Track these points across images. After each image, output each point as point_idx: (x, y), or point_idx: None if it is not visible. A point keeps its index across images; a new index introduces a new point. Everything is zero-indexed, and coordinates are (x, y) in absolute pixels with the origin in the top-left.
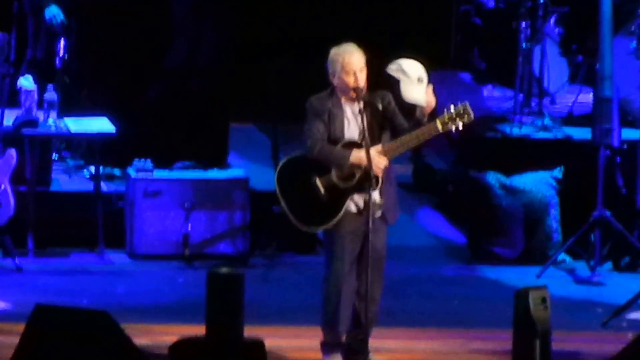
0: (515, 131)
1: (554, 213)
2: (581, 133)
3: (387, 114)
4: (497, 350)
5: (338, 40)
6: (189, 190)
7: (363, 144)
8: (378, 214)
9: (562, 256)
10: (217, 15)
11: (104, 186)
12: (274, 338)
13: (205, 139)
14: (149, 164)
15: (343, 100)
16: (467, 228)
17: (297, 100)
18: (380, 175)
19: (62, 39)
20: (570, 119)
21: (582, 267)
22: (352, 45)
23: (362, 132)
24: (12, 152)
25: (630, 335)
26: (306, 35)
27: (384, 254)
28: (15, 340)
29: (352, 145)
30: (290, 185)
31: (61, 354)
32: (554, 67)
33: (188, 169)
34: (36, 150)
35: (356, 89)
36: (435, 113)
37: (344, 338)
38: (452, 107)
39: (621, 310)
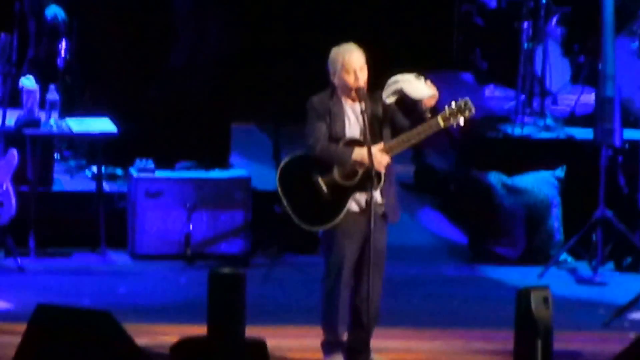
0: (517, 131)
1: (556, 213)
2: (583, 133)
3: (388, 112)
4: (498, 350)
5: (340, 41)
6: (190, 190)
7: (364, 142)
8: (379, 213)
9: (564, 256)
10: (219, 15)
11: (105, 186)
12: (275, 338)
13: (207, 139)
14: (150, 164)
15: (344, 99)
16: (469, 228)
17: (298, 100)
18: (382, 171)
19: (64, 39)
20: (572, 119)
21: (584, 267)
22: (352, 45)
23: (363, 131)
24: (14, 152)
25: (632, 336)
26: (308, 36)
27: (384, 253)
28: (16, 340)
29: (354, 143)
30: (292, 185)
31: (63, 354)
32: (556, 67)
33: (190, 169)
34: (38, 150)
35: (357, 89)
36: (436, 112)
37: (345, 337)
38: (453, 103)
39: (623, 310)
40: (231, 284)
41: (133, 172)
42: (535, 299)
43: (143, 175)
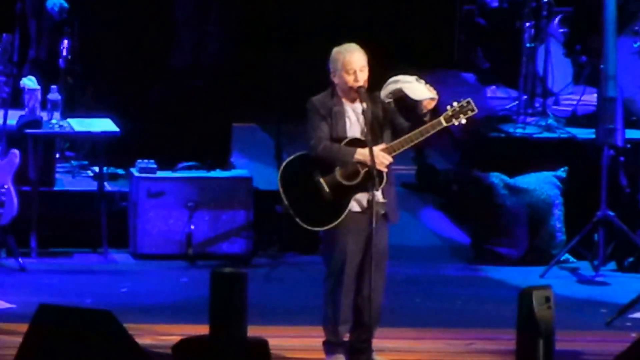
0: (519, 131)
1: (558, 213)
2: (585, 133)
3: (388, 113)
4: (500, 350)
5: (341, 41)
6: (192, 190)
7: (366, 142)
8: (380, 212)
9: (566, 256)
10: (221, 15)
11: (107, 186)
12: (277, 338)
13: (208, 139)
14: (152, 163)
15: (344, 99)
16: (471, 228)
17: (300, 100)
18: (384, 171)
19: (66, 39)
20: (574, 119)
21: (585, 267)
22: (353, 45)
23: (364, 131)
24: (16, 152)
25: (634, 335)
26: (309, 36)
27: (386, 253)
28: (18, 340)
29: (356, 143)
30: (294, 185)
31: (64, 354)
32: (557, 67)
33: (191, 168)
34: (40, 150)
35: (358, 89)
36: (438, 112)
37: (347, 337)
38: (455, 103)
39: (625, 310)
40: (233, 284)
41: (134, 172)
42: (537, 299)
43: (145, 175)
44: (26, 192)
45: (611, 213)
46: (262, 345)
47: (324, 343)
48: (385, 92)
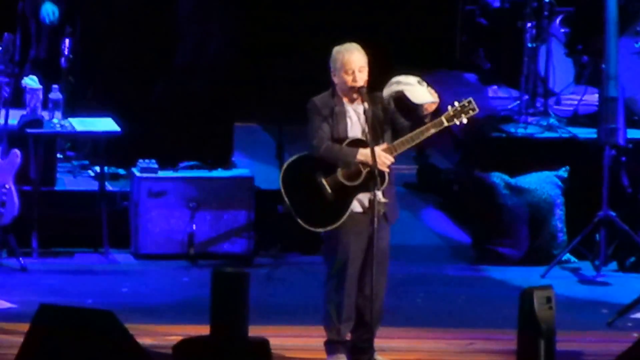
0: (521, 131)
1: (559, 213)
2: (586, 133)
3: (388, 113)
4: (501, 351)
5: (343, 41)
6: (193, 190)
7: (367, 142)
8: (382, 212)
9: (567, 256)
10: (223, 15)
11: (108, 186)
12: (278, 338)
13: (210, 139)
14: (153, 163)
15: (345, 99)
16: (472, 228)
17: (301, 99)
18: (386, 171)
19: (67, 38)
20: (576, 119)
21: (587, 267)
22: (353, 45)
23: (366, 131)
24: (17, 152)
25: (635, 335)
26: (311, 35)
27: (387, 252)
28: (19, 340)
29: (358, 143)
30: (296, 186)
31: (65, 354)
32: (559, 67)
33: (193, 168)
34: (41, 149)
35: (359, 89)
36: (439, 112)
37: (348, 337)
38: (456, 102)
39: (626, 310)
40: (234, 284)
41: (136, 171)
42: (538, 299)
43: (146, 174)
44: (27, 192)
45: (612, 213)
46: (263, 345)
47: (326, 343)
48: (386, 93)
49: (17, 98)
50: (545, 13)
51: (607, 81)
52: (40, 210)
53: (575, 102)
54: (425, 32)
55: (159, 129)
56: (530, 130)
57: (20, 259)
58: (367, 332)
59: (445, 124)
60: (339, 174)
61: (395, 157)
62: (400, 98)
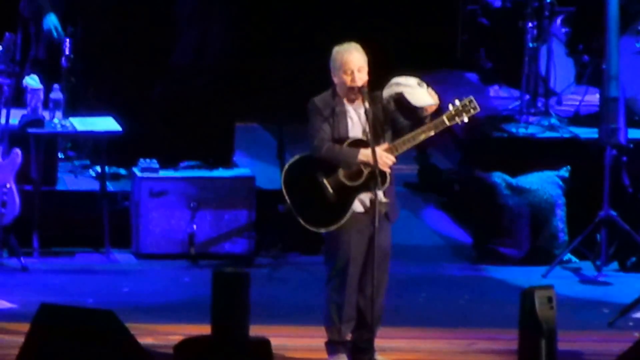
0: (522, 131)
1: (560, 213)
2: (587, 133)
3: (388, 113)
4: (502, 350)
5: (344, 41)
6: (194, 190)
7: (368, 142)
8: (383, 212)
9: (568, 256)
10: (223, 14)
11: (109, 186)
12: (279, 337)
13: (211, 138)
14: (154, 163)
15: (345, 99)
16: (473, 228)
17: (302, 99)
18: (388, 171)
19: (68, 38)
20: (577, 119)
21: (588, 267)
22: (353, 45)
23: (366, 131)
24: (18, 152)
25: (636, 335)
26: (312, 35)
27: (388, 252)
28: (20, 339)
29: (359, 143)
30: (297, 187)
31: (66, 354)
32: (560, 67)
33: (194, 168)
34: (42, 149)
35: (360, 89)
36: (440, 112)
37: (349, 337)
38: (457, 101)
39: (627, 309)
40: (235, 284)
41: (137, 171)
42: (539, 299)
43: (147, 174)
44: (28, 192)
45: (614, 213)
46: (264, 344)
47: (327, 343)
48: (385, 94)
49: (18, 98)
50: (546, 13)
51: (608, 81)
52: (41, 210)
53: (576, 102)
54: (426, 32)
55: (160, 129)
56: (532, 130)
57: (21, 258)
58: (368, 332)
59: (447, 123)
60: (340, 174)
61: (396, 157)
62: (400, 100)
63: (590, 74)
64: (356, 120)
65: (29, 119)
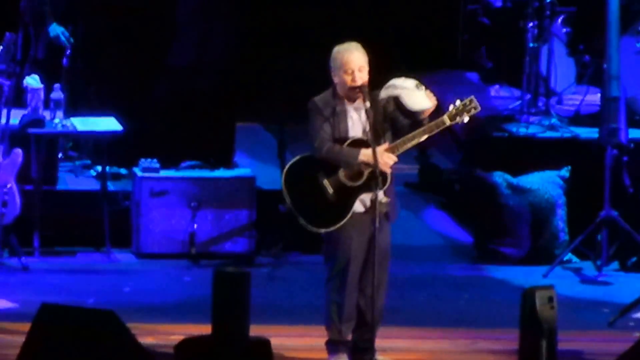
0: (522, 131)
1: (561, 213)
2: (588, 133)
3: (388, 112)
4: (503, 350)
5: (344, 40)
6: (195, 190)
7: (369, 142)
8: (383, 212)
9: (569, 256)
10: (224, 14)
11: (110, 185)
12: (279, 337)
13: (211, 138)
14: (155, 163)
15: (345, 99)
16: (474, 228)
17: (303, 99)
18: (388, 172)
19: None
20: (577, 119)
21: (588, 267)
22: (353, 44)
23: (367, 131)
24: (18, 152)
25: (636, 335)
26: (313, 35)
27: (389, 252)
28: (21, 339)
29: (359, 143)
30: (298, 187)
31: (67, 354)
32: (561, 67)
33: (194, 168)
34: (42, 149)
35: (361, 88)
36: (441, 112)
37: (349, 337)
38: (458, 101)
39: (628, 309)
40: (235, 283)
41: (137, 171)
42: (540, 299)
43: (147, 174)
44: (29, 192)
45: (614, 213)
46: (264, 344)
47: (327, 343)
48: (383, 96)
49: (19, 97)
50: (547, 13)
51: (609, 81)
52: (42, 210)
53: (577, 102)
54: (427, 32)
55: (160, 129)
56: (532, 129)
57: (22, 258)
58: (369, 332)
59: (448, 122)
60: (341, 174)
61: (397, 157)
62: (397, 103)
63: (591, 73)
64: (356, 120)
65: (29, 119)
